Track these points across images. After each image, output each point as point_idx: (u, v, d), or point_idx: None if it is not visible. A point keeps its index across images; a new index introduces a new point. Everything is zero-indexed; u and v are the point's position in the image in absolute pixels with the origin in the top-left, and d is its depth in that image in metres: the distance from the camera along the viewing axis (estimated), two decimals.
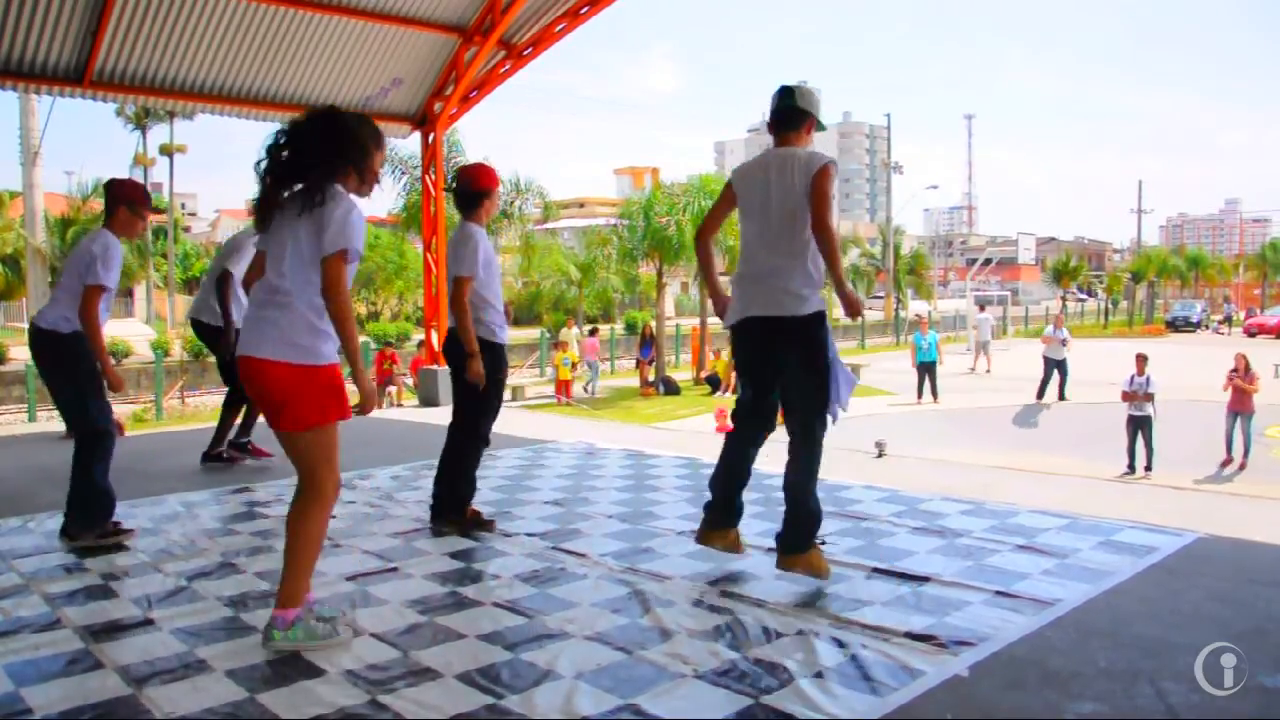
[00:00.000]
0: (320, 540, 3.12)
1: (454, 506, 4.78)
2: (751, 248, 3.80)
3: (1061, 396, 16.47)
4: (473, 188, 4.61)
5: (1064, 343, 16.63)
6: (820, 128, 3.95)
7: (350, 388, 3.09)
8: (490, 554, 4.33)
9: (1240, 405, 10.78)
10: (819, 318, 3.65)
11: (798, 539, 3.69)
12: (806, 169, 3.65)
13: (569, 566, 4.11)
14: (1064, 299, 44.89)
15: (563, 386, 17.13)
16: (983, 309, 29.71)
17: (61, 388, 4.48)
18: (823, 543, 3.81)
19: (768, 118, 3.87)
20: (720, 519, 3.95)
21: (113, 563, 4.18)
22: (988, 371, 22.19)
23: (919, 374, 16.42)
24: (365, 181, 3.09)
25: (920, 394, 16.33)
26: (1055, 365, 16.55)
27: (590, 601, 3.61)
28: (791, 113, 3.81)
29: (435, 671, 2.94)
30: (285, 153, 2.99)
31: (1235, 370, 11.00)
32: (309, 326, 2.94)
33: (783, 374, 3.73)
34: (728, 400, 15.14)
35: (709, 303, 26.05)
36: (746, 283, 3.78)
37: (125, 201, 4.54)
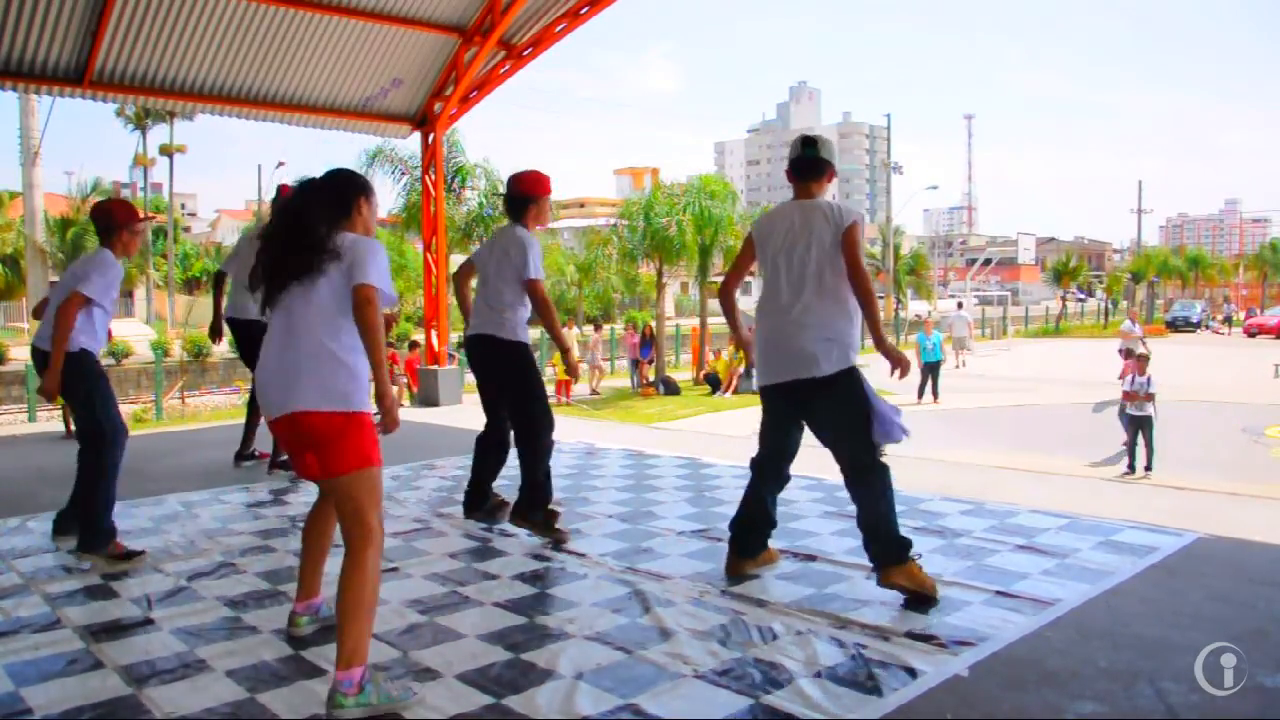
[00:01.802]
0: (378, 587, 2.83)
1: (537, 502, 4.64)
2: (776, 307, 3.77)
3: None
4: (521, 191, 4.62)
5: (1141, 339, 16.42)
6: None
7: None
8: (490, 554, 4.33)
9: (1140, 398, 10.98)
10: (847, 375, 3.65)
11: (885, 556, 3.59)
12: (837, 223, 3.65)
13: (569, 566, 4.11)
14: (1064, 299, 44.85)
15: (562, 386, 17.11)
16: (960, 306, 29.74)
17: (76, 406, 4.50)
18: (919, 556, 3.73)
19: (788, 166, 3.89)
20: (743, 551, 3.97)
21: (112, 562, 4.18)
22: (959, 367, 22.24)
23: (922, 374, 16.40)
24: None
25: (921, 394, 16.32)
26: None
27: (590, 601, 3.62)
28: (814, 163, 3.83)
29: (435, 671, 2.95)
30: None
31: (1130, 360, 11.54)
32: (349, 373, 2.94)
33: (824, 428, 3.78)
34: (722, 400, 15.12)
35: (710, 302, 26.06)
36: (770, 343, 3.78)
37: (124, 225, 4.44)
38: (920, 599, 3.52)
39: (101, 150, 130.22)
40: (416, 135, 11.43)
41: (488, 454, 4.86)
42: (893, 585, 3.55)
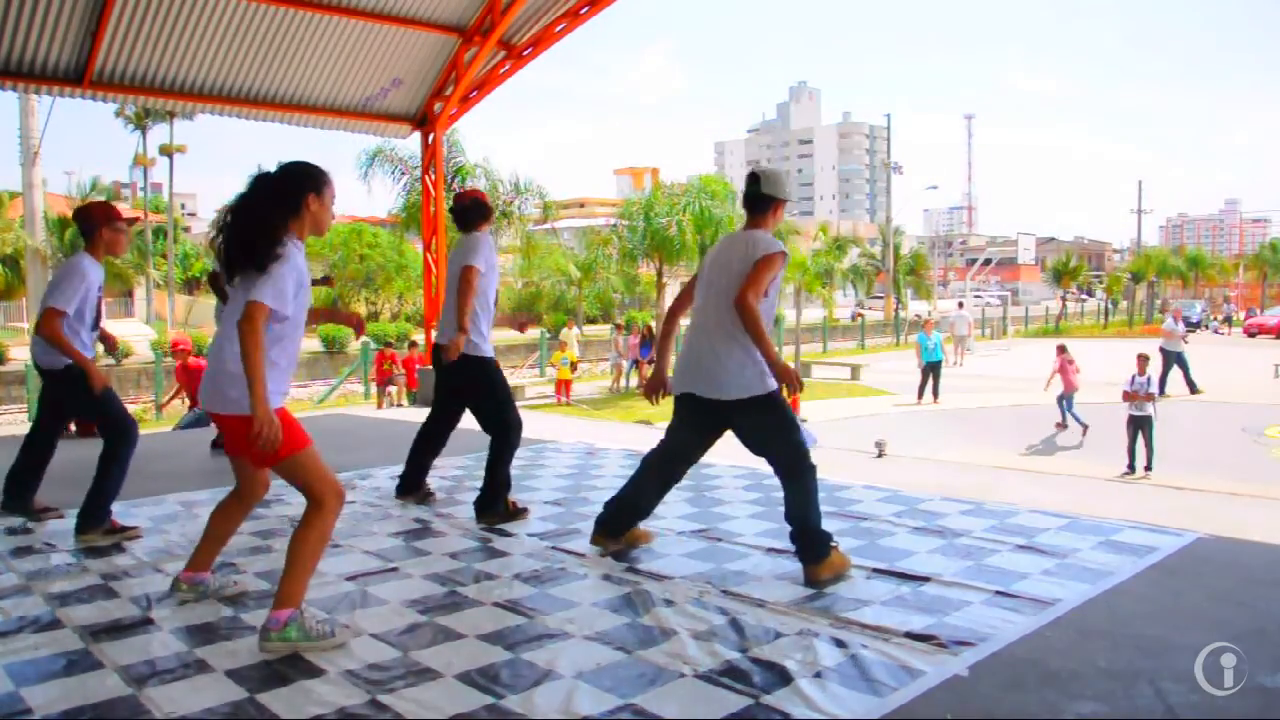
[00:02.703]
0: (320, 546, 3.14)
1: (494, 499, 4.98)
2: (697, 329, 3.99)
3: (1191, 388, 16.07)
4: (478, 204, 5.07)
5: (1184, 338, 16.23)
6: (790, 200, 4.28)
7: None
8: (490, 554, 4.33)
9: (1068, 388, 13.30)
10: (765, 399, 3.80)
11: (812, 552, 3.85)
12: (750, 255, 3.80)
13: (569, 566, 4.11)
14: (1064, 299, 44.84)
15: (562, 386, 17.11)
16: (961, 306, 29.85)
17: (80, 413, 4.65)
18: (835, 544, 3.96)
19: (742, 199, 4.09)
20: (609, 529, 4.27)
21: (113, 563, 4.19)
22: (958, 365, 22.28)
23: (923, 374, 16.39)
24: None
25: (921, 394, 16.31)
26: (1173, 359, 16.13)
27: (590, 601, 3.61)
28: (756, 199, 3.98)
29: (435, 671, 2.94)
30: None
31: (1063, 356, 13.59)
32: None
33: (756, 445, 3.95)
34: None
35: None
36: (685, 356, 3.99)
37: (103, 223, 4.54)
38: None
39: (101, 150, 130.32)
40: (416, 135, 11.43)
41: (429, 446, 5.35)
42: (820, 580, 3.78)
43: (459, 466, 6.59)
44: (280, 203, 3.06)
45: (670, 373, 4.18)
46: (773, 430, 3.86)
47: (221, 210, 3.29)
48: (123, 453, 4.60)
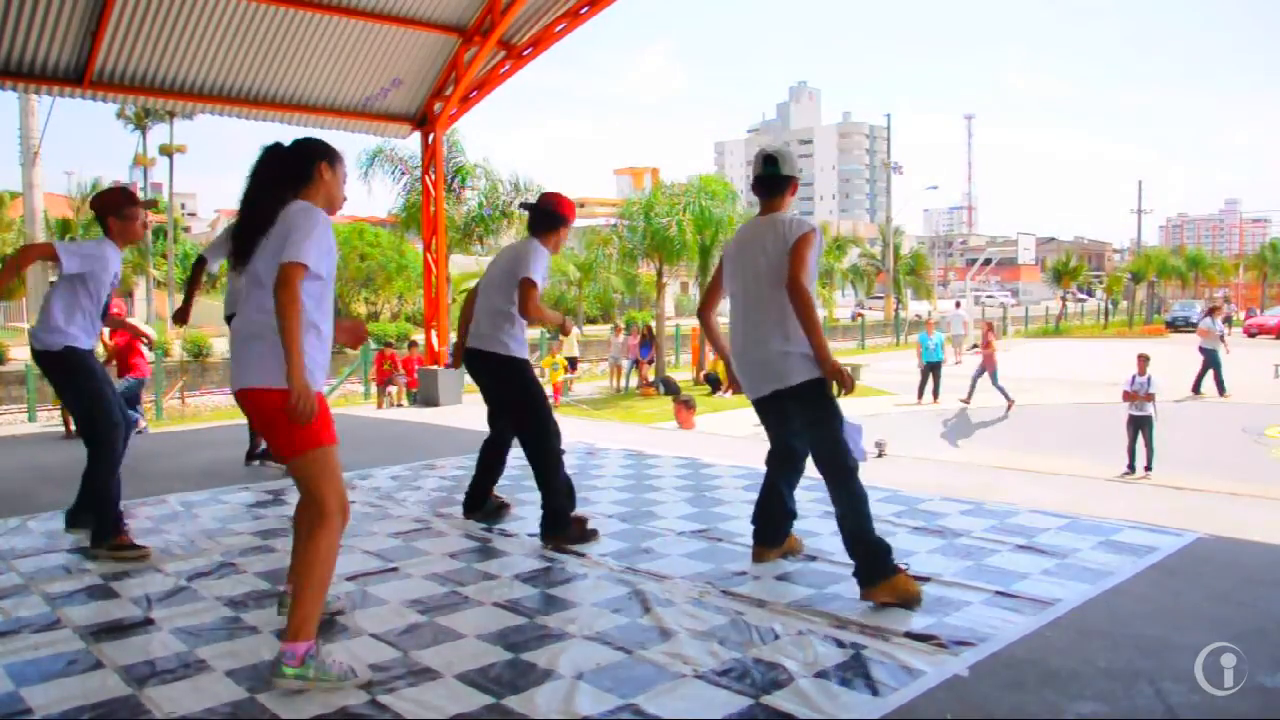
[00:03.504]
0: (331, 562, 2.89)
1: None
2: (739, 322, 3.87)
3: (1220, 389, 15.93)
4: (557, 210, 4.75)
5: (1222, 337, 16.02)
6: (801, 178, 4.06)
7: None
8: (490, 554, 4.33)
9: (988, 364, 15.13)
10: (815, 385, 3.65)
11: (869, 571, 3.55)
12: (785, 237, 3.69)
13: (569, 566, 4.11)
14: (1064, 299, 44.84)
15: (558, 388, 17.10)
16: (958, 305, 29.93)
17: (69, 402, 4.47)
18: (906, 566, 3.71)
19: (753, 182, 3.90)
20: (762, 540, 4.14)
21: (113, 563, 4.18)
22: (957, 363, 22.32)
23: (923, 374, 16.39)
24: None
25: (921, 394, 16.31)
26: (1212, 357, 15.96)
27: (590, 601, 3.62)
28: (773, 181, 3.86)
29: (435, 671, 2.94)
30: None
31: (983, 341, 15.42)
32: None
33: (800, 432, 3.84)
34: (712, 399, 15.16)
35: None
36: (742, 361, 3.88)
37: (110, 211, 4.36)
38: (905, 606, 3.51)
39: (101, 150, 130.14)
40: (416, 135, 11.43)
41: (489, 461, 4.99)
42: (878, 600, 3.51)
43: (459, 466, 6.58)
44: (293, 172, 2.97)
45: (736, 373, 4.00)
46: (822, 422, 3.67)
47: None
48: (99, 469, 4.24)
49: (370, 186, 22.83)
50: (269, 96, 9.96)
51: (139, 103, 11.11)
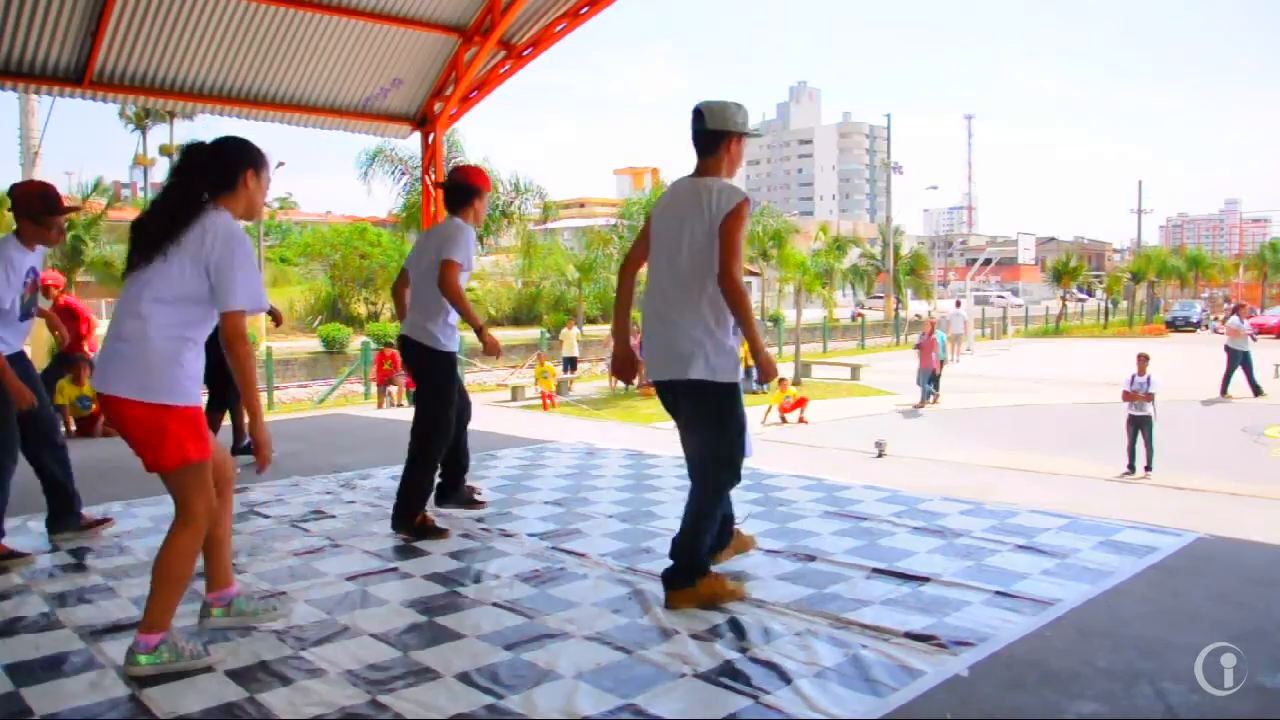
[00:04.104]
0: (191, 562, 2.93)
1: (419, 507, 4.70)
2: (655, 297, 3.54)
3: (1255, 390, 15.74)
4: (466, 182, 4.65)
5: (1253, 336, 15.89)
6: (755, 134, 3.62)
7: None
8: (490, 554, 4.33)
9: (926, 363, 15.73)
10: (718, 389, 3.38)
11: (679, 577, 3.45)
12: (713, 210, 3.32)
13: (569, 566, 4.11)
14: (1064, 299, 44.84)
15: (546, 397, 17.09)
16: (958, 304, 30.01)
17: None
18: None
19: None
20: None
21: (113, 563, 4.18)
22: (955, 361, 22.38)
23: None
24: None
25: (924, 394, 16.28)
26: (1239, 357, 15.78)
27: (590, 601, 3.61)
28: (704, 137, 3.46)
29: (435, 671, 2.94)
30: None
31: (924, 334, 16.24)
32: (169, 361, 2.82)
33: (681, 423, 3.57)
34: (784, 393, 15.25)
35: None
36: (649, 336, 3.60)
37: (27, 215, 4.13)
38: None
39: (101, 150, 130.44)
40: (416, 135, 11.42)
41: (449, 451, 4.95)
42: (677, 609, 3.41)
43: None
44: (216, 177, 2.87)
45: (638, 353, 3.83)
46: (715, 422, 3.41)
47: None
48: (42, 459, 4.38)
49: (370, 187, 22.87)
50: (269, 96, 9.96)
51: (139, 103, 11.10)
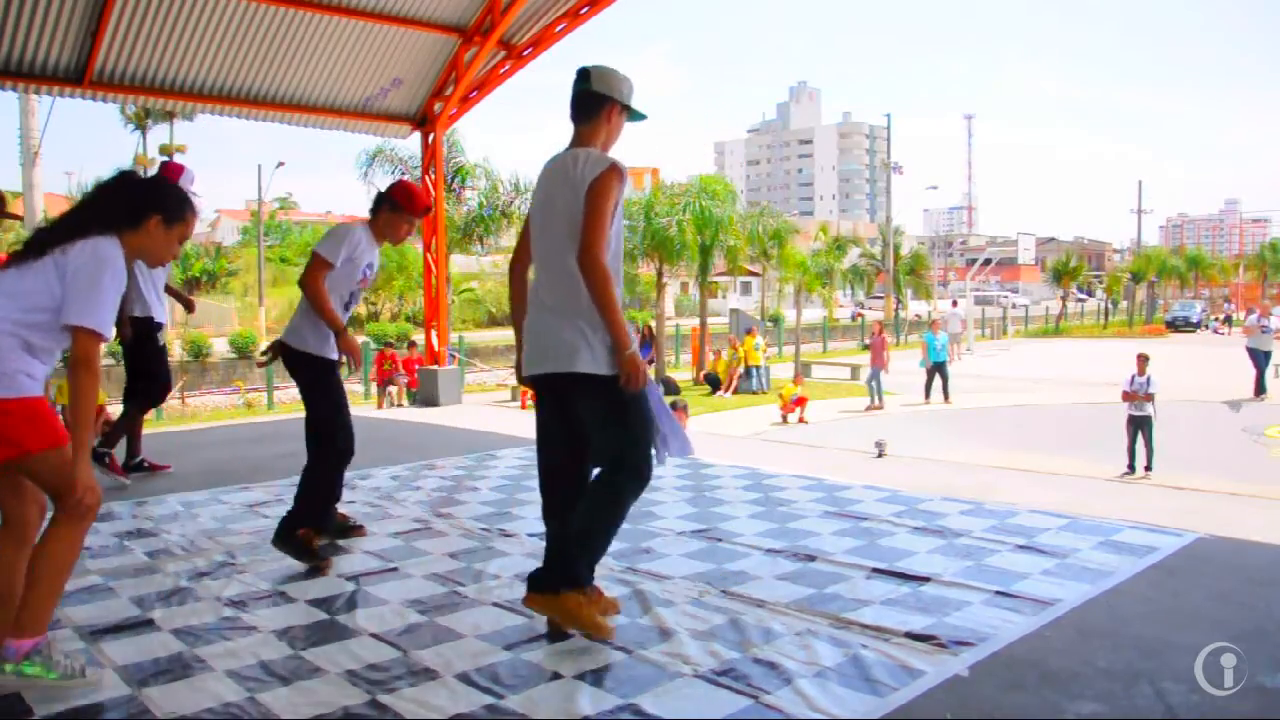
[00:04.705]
0: (72, 560, 2.74)
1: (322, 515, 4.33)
2: (536, 284, 3.20)
3: (1260, 390, 15.58)
4: (385, 191, 4.35)
5: (1278, 335, 15.66)
6: (636, 116, 3.28)
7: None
8: (490, 554, 4.33)
9: (877, 362, 16.19)
10: (610, 383, 3.00)
11: (556, 578, 3.02)
12: (576, 180, 3.01)
13: None
14: (1064, 299, 44.85)
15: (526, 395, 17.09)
16: (955, 304, 30.07)
17: None
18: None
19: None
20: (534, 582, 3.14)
21: (113, 563, 4.19)
22: (956, 360, 22.41)
23: (929, 374, 16.38)
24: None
25: (928, 394, 16.29)
26: (1261, 357, 15.57)
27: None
28: (585, 99, 3.14)
29: (435, 671, 2.94)
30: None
31: (873, 333, 16.95)
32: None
33: (583, 432, 3.17)
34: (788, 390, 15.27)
35: (710, 303, 25.80)
36: (528, 329, 3.21)
37: None
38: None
39: (101, 150, 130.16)
40: (416, 135, 11.43)
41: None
42: (536, 611, 3.08)
43: (459, 466, 6.59)
44: (124, 213, 2.73)
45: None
46: (612, 421, 3.04)
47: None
48: None
49: (370, 187, 22.82)
50: (269, 96, 9.96)
51: (139, 103, 11.12)
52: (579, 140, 3.18)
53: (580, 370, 3.00)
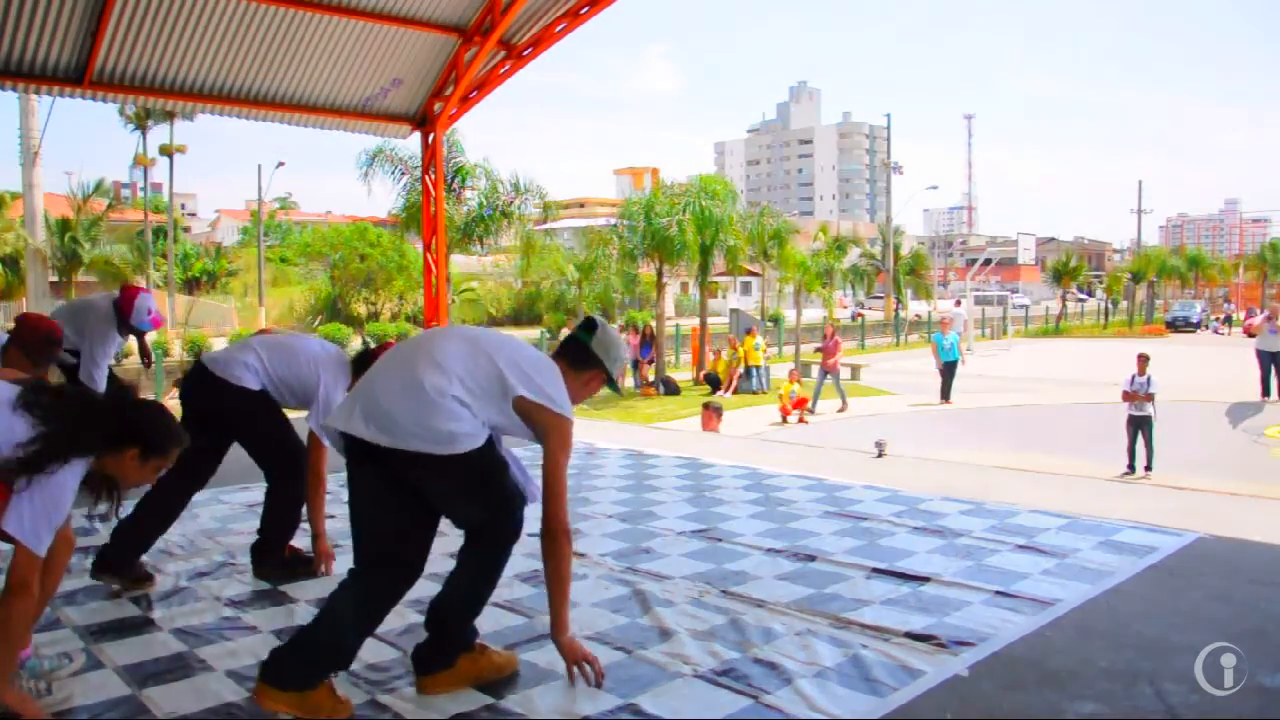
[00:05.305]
0: (21, 633, 2.62)
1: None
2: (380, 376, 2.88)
3: (1265, 391, 15.33)
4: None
5: None
6: (612, 387, 3.07)
7: None
8: None
9: (828, 366, 16.20)
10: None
11: (446, 653, 2.87)
12: (534, 382, 2.75)
13: None
14: (1064, 299, 44.85)
15: None
16: (958, 303, 29.99)
17: None
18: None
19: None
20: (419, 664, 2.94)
21: None
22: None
23: (942, 374, 16.32)
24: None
25: (945, 394, 16.22)
26: (1271, 359, 15.31)
27: (590, 601, 3.62)
28: (578, 348, 2.96)
29: None
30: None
31: (826, 336, 16.86)
32: None
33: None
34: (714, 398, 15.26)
35: (710, 302, 25.75)
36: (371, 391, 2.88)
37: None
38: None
39: (101, 150, 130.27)
40: (416, 135, 11.43)
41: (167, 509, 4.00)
42: (435, 692, 2.81)
43: None
44: (105, 435, 2.57)
45: None
46: (479, 489, 2.82)
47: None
48: None
49: (370, 187, 22.82)
50: (269, 96, 9.96)
51: (139, 103, 11.12)
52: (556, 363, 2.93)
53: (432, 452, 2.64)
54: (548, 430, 2.75)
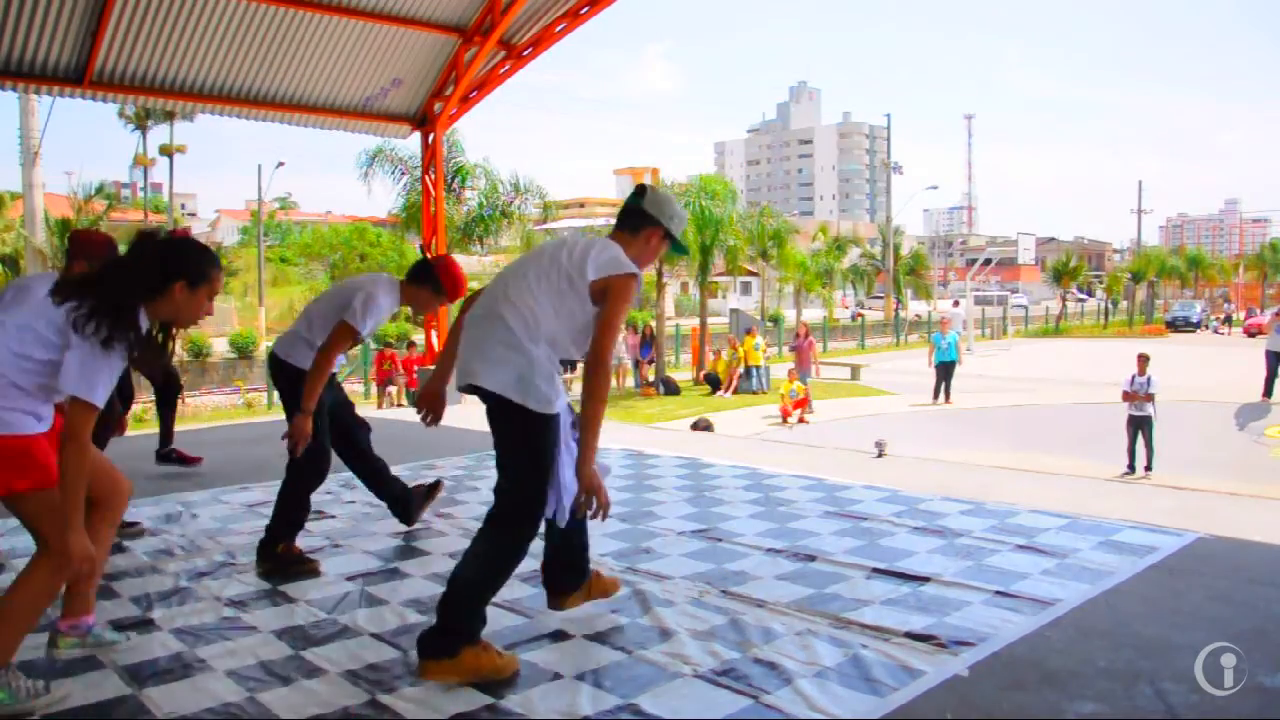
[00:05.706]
0: (46, 603, 2.71)
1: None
2: (484, 307, 3.18)
3: (1269, 391, 15.14)
4: (436, 273, 4.21)
5: None
6: (677, 247, 3.25)
7: None
8: None
9: (802, 365, 16.19)
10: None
11: (446, 643, 2.84)
12: (595, 264, 2.93)
13: None
14: (1064, 299, 44.87)
15: None
16: (956, 304, 29.99)
17: None
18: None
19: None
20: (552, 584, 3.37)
21: (113, 563, 4.17)
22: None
23: (937, 374, 16.34)
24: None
25: (937, 394, 16.24)
26: (1274, 359, 15.11)
27: (590, 601, 3.61)
28: (632, 213, 3.13)
29: None
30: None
31: (798, 336, 17.23)
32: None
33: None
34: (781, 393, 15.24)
35: (710, 303, 25.74)
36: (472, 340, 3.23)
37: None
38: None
39: (101, 150, 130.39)
40: (416, 135, 11.43)
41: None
42: (436, 679, 2.84)
43: (460, 466, 6.59)
44: (148, 281, 2.63)
45: None
46: (529, 458, 3.03)
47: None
48: None
49: (370, 187, 22.86)
50: (269, 96, 9.97)
51: (139, 103, 11.12)
52: (613, 238, 3.11)
53: (510, 399, 2.93)
54: (610, 292, 2.91)
